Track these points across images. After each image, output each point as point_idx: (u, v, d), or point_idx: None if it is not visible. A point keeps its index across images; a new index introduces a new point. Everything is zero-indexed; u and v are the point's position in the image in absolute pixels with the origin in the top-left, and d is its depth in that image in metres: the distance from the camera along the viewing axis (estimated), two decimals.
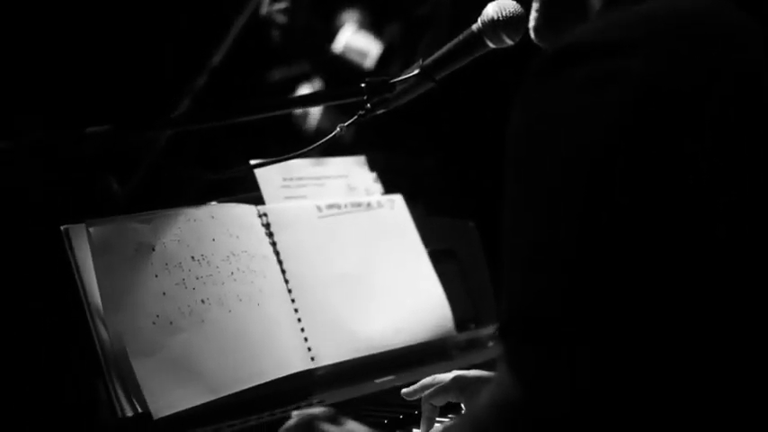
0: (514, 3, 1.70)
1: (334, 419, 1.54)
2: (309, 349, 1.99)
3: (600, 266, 1.13)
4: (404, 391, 1.85)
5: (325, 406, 1.87)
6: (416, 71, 1.73)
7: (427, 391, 1.79)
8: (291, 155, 1.78)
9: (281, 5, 2.93)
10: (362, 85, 1.73)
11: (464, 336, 2.29)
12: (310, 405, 1.90)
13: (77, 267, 1.76)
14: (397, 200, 2.30)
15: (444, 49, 1.73)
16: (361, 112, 1.79)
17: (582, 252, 1.13)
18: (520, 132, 1.18)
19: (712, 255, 1.15)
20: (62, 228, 1.76)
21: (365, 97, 1.74)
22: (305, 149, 1.79)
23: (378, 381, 2.06)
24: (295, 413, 1.56)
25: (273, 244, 2.03)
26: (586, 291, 1.13)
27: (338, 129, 1.79)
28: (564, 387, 1.14)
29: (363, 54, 2.94)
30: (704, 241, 1.14)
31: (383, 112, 1.79)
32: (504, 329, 1.17)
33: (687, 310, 1.15)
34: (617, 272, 1.13)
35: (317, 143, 1.80)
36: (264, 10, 2.93)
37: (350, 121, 1.79)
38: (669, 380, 1.17)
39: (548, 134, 1.15)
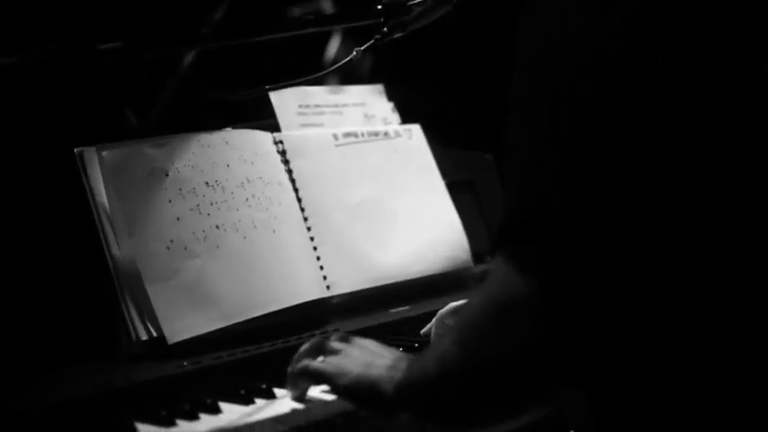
0: None
1: (345, 339, 1.53)
2: (325, 278, 1.98)
3: (604, 166, 1.12)
4: (423, 331, 1.84)
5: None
6: None
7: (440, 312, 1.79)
8: (308, 77, 1.75)
9: None
10: (379, 7, 1.70)
11: (480, 268, 2.27)
12: (325, 333, 1.89)
13: (91, 191, 1.74)
14: (415, 130, 2.27)
15: None
16: (377, 36, 1.76)
17: (587, 151, 1.12)
18: (531, 35, 1.16)
19: (716, 157, 1.14)
20: (75, 150, 1.75)
21: (382, 20, 1.70)
22: (322, 72, 1.77)
23: (393, 311, 2.05)
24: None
25: (289, 171, 2.01)
26: (589, 189, 1.12)
27: (354, 52, 1.77)
28: (569, 280, 1.13)
29: None
30: (709, 145, 1.13)
31: (400, 36, 1.76)
32: (505, 232, 1.16)
33: (691, 212, 1.14)
34: (621, 172, 1.13)
35: (335, 65, 1.78)
36: None
37: (367, 45, 1.76)
38: (669, 279, 1.16)
39: (560, 37, 1.14)
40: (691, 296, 1.19)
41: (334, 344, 1.51)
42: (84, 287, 1.73)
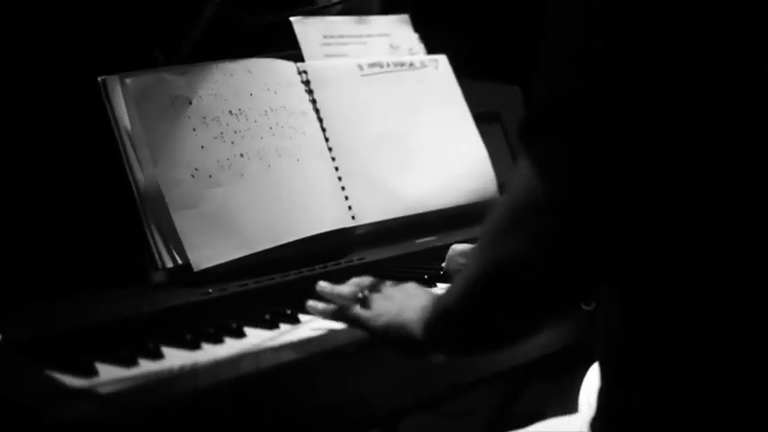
0: None
1: (380, 284, 1.53)
2: (350, 207, 1.97)
3: (634, 64, 1.08)
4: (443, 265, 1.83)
5: (364, 263, 1.88)
6: None
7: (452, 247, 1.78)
8: (323, 5, 1.73)
9: None
10: None
11: None
12: (350, 262, 1.89)
13: (115, 119, 1.74)
14: (441, 60, 2.25)
15: None
16: None
17: (618, 49, 1.09)
18: None
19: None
20: (99, 79, 1.74)
21: None
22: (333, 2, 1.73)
23: (419, 241, 2.04)
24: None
25: (313, 102, 1.99)
26: (617, 86, 1.09)
27: None
28: (602, 180, 1.10)
29: None
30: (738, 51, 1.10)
31: None
32: (528, 129, 1.13)
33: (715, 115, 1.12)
34: (652, 70, 1.09)
35: None
36: None
37: None
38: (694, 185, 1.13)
39: None
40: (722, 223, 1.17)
41: (372, 287, 1.51)
42: (109, 215, 1.73)
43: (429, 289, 1.50)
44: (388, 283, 1.54)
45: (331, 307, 1.54)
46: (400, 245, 2.00)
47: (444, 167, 2.14)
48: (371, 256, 1.93)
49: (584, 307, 1.53)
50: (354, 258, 1.90)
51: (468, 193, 2.16)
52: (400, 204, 2.04)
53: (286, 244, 1.83)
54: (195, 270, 1.70)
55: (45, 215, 1.67)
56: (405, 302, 1.43)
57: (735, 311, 1.18)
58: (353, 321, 1.50)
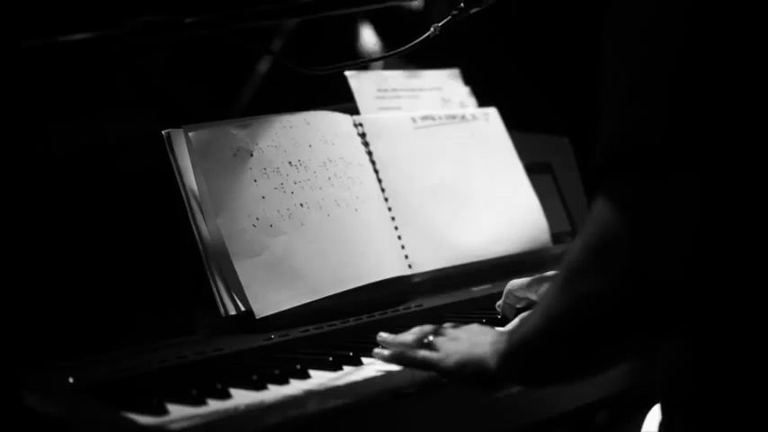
0: None
1: (443, 329, 1.56)
2: (407, 257, 2.00)
3: (702, 92, 1.12)
4: (497, 303, 1.86)
5: (422, 309, 1.91)
6: None
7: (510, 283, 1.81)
8: (387, 54, 1.78)
9: None
10: None
11: (560, 248, 2.28)
12: (408, 309, 1.92)
13: (179, 171, 1.79)
14: (492, 113, 2.30)
15: None
16: (455, 12, 1.78)
17: (685, 78, 1.12)
18: None
19: None
20: (163, 132, 1.80)
21: None
22: (400, 49, 1.79)
23: (475, 289, 2.06)
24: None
25: (369, 153, 2.04)
26: (687, 116, 1.12)
27: (432, 29, 1.79)
28: (671, 215, 1.12)
29: None
30: None
31: (476, 11, 1.78)
32: (600, 169, 1.16)
33: None
34: (721, 97, 1.12)
35: (412, 43, 1.80)
36: None
37: (444, 21, 1.78)
38: None
39: None
40: None
41: (435, 332, 1.54)
42: (174, 265, 1.78)
43: (494, 329, 1.53)
44: (450, 326, 1.56)
45: (398, 352, 1.56)
46: (456, 293, 2.03)
47: (498, 217, 2.17)
48: (429, 303, 1.96)
49: None
50: (412, 306, 1.93)
51: (522, 242, 2.19)
52: (455, 253, 2.07)
53: (344, 293, 1.86)
54: (258, 317, 1.74)
55: (116, 269, 1.73)
56: (473, 340, 1.46)
57: None
58: (422, 365, 1.52)
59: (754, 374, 1.24)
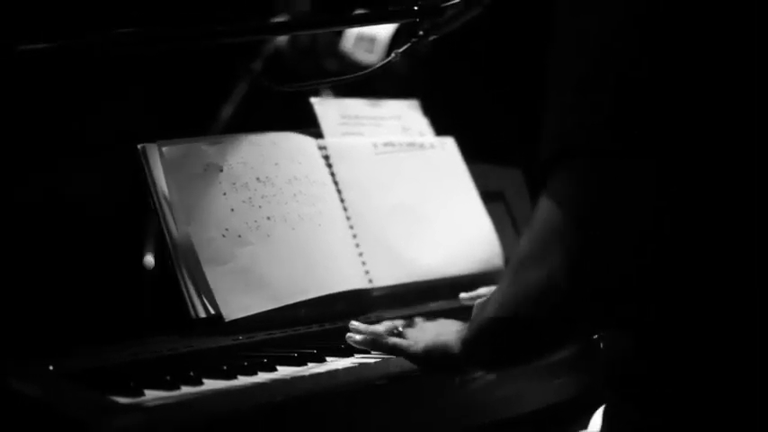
0: None
1: (413, 322, 1.68)
2: (367, 272, 2.11)
3: (645, 93, 1.23)
4: (462, 295, 1.98)
5: (382, 319, 2.01)
6: None
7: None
8: (347, 76, 1.90)
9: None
10: (415, 7, 1.85)
11: None
12: (368, 319, 2.02)
13: (153, 182, 1.89)
14: (449, 142, 2.43)
15: None
16: (414, 39, 1.90)
17: (628, 80, 1.23)
18: None
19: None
20: (138, 146, 1.90)
21: (418, 20, 1.85)
22: (360, 73, 1.91)
23: (432, 304, 2.17)
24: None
25: (332, 174, 2.15)
26: (627, 117, 1.23)
27: (393, 54, 1.92)
28: (607, 205, 1.24)
29: (372, 41, 2.97)
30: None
31: (433, 39, 1.91)
32: (545, 160, 1.28)
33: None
34: (667, 96, 1.23)
35: (373, 67, 1.92)
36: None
37: (404, 47, 1.91)
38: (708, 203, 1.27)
39: None
40: (739, 238, 1.29)
41: (405, 324, 1.66)
42: (146, 270, 1.87)
43: (457, 321, 1.64)
44: (419, 319, 1.68)
45: (369, 337, 1.68)
46: (414, 307, 2.13)
47: (454, 239, 2.29)
48: (388, 315, 2.05)
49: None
50: (372, 317, 2.03)
51: (477, 263, 2.30)
52: (413, 271, 2.18)
53: (308, 304, 1.96)
54: (226, 320, 1.83)
55: (93, 273, 1.82)
56: (439, 330, 1.59)
57: (745, 333, 1.32)
58: (392, 350, 1.64)
59: (697, 357, 1.34)
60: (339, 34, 2.70)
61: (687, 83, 1.24)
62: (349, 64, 2.52)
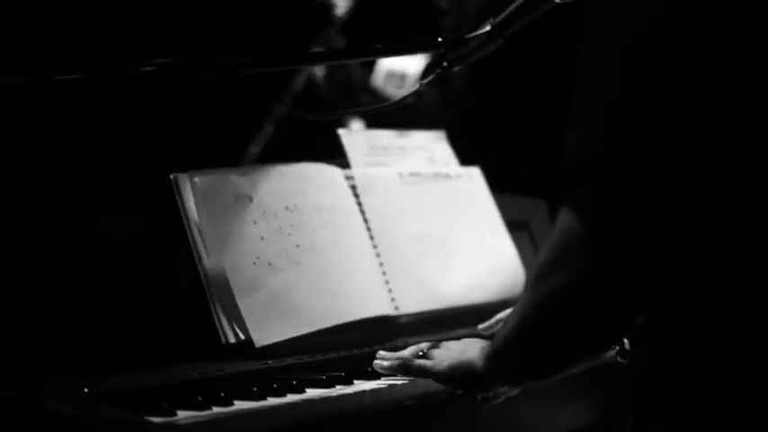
0: None
1: (438, 344, 1.72)
2: (393, 299, 2.15)
3: (661, 109, 1.28)
4: (480, 326, 2.01)
5: (408, 345, 2.05)
6: (487, 28, 1.90)
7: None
8: (372, 107, 1.95)
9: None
10: (439, 39, 1.90)
11: None
12: (395, 345, 2.06)
13: (185, 211, 1.95)
14: (475, 172, 2.47)
15: (512, 5, 1.90)
16: (438, 69, 1.96)
17: (646, 97, 1.28)
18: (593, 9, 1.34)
19: None
20: (171, 176, 1.96)
21: (442, 51, 1.90)
22: (386, 104, 1.97)
23: (458, 331, 2.21)
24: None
25: (359, 204, 2.20)
26: (645, 132, 1.28)
27: (418, 85, 1.97)
28: (622, 218, 1.28)
29: (402, 77, 3.05)
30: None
31: (458, 69, 1.96)
32: (564, 180, 1.32)
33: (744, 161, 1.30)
34: (679, 113, 1.28)
35: (399, 98, 1.97)
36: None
37: (429, 78, 1.96)
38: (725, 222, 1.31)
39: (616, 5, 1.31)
40: (747, 246, 1.33)
41: (430, 347, 1.70)
42: (179, 298, 1.92)
43: (482, 339, 1.68)
44: (443, 342, 1.72)
45: (396, 362, 1.72)
46: (440, 334, 2.17)
47: (479, 267, 2.33)
48: (414, 341, 2.09)
49: (618, 359, 1.70)
50: (399, 342, 2.07)
51: (502, 291, 2.34)
52: (439, 298, 2.22)
53: (336, 331, 2.00)
54: (257, 346, 1.87)
55: (124, 300, 1.87)
56: (463, 347, 1.63)
57: (759, 342, 1.35)
58: (417, 371, 1.68)
59: (716, 370, 1.37)
60: (371, 71, 2.78)
61: (703, 102, 1.29)
62: (380, 99, 2.60)
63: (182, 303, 1.92)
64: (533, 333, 1.42)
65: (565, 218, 1.33)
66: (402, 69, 2.95)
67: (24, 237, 1.84)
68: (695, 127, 1.30)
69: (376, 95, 2.64)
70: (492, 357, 1.53)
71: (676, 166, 1.29)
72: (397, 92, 2.90)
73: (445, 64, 1.95)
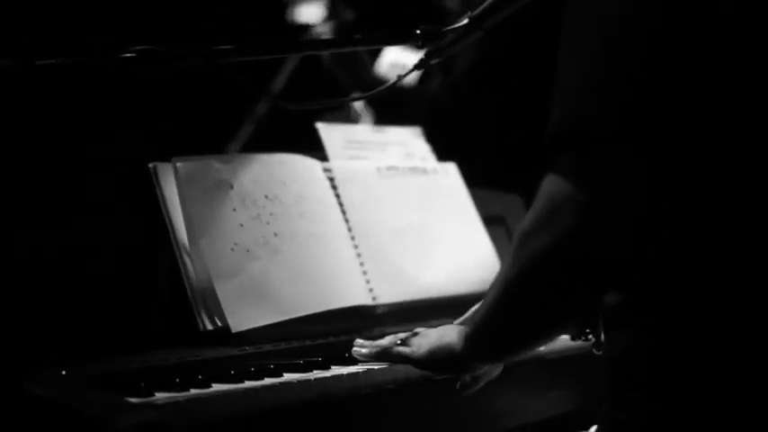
0: None
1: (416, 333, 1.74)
2: (371, 290, 2.17)
3: (661, 82, 1.30)
4: (455, 322, 2.02)
5: (385, 334, 2.07)
6: (465, 20, 1.92)
7: None
8: (350, 97, 1.97)
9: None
10: (417, 31, 1.92)
11: None
12: (371, 334, 2.08)
13: (164, 200, 1.96)
14: (451, 167, 2.50)
15: None
16: (416, 63, 1.98)
17: (645, 69, 1.31)
18: None
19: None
20: (150, 165, 1.97)
21: (420, 43, 1.92)
22: (365, 94, 1.99)
23: (434, 322, 2.22)
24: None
25: (337, 196, 2.22)
26: (645, 104, 1.30)
27: (396, 77, 1.99)
28: (608, 185, 1.30)
29: (404, 67, 3.07)
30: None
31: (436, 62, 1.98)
32: (551, 148, 1.34)
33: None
34: (676, 87, 1.31)
35: (377, 89, 1.99)
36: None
37: (408, 71, 1.98)
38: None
39: None
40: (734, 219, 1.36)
41: (409, 336, 1.72)
42: (157, 284, 1.94)
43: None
44: (421, 329, 1.73)
45: (375, 350, 1.73)
46: (416, 325, 2.18)
47: (455, 259, 2.35)
48: (391, 332, 2.11)
49: (594, 351, 1.72)
50: (376, 332, 2.09)
51: (477, 283, 2.35)
52: (416, 289, 2.24)
53: (313, 320, 2.02)
54: (234, 332, 1.89)
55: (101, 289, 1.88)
56: (441, 333, 1.65)
57: (742, 320, 1.38)
58: (397, 358, 1.70)
59: (703, 344, 1.40)
60: (375, 58, 2.80)
61: (683, 80, 1.32)
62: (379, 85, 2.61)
63: (160, 292, 1.93)
64: (513, 303, 1.43)
65: (550, 184, 1.34)
66: (405, 60, 2.99)
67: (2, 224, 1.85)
68: (690, 100, 1.33)
69: (378, 84, 2.67)
70: (471, 337, 1.55)
71: (666, 137, 1.32)
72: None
73: (424, 56, 1.97)
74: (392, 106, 2.30)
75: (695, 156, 1.35)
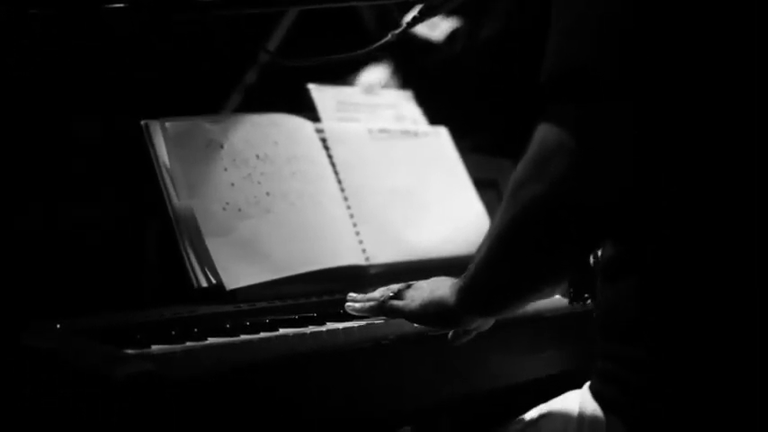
0: None
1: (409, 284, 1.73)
2: (364, 250, 2.17)
3: (658, 34, 1.29)
4: None
5: None
6: None
7: None
8: (342, 55, 1.95)
9: None
10: None
11: None
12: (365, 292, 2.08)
13: (156, 158, 1.95)
14: (442, 131, 2.49)
15: None
16: (409, 21, 1.97)
17: (643, 21, 1.30)
18: None
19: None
20: (142, 122, 1.96)
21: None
22: (356, 52, 1.97)
23: None
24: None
25: (330, 156, 2.22)
26: (644, 52, 1.29)
27: (389, 35, 1.98)
28: (602, 132, 1.30)
29: (433, 25, 3.06)
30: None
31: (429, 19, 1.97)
32: (544, 94, 1.34)
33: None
34: (673, 39, 1.30)
35: (368, 48, 1.98)
36: None
37: (401, 29, 1.97)
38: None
39: None
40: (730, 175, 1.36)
41: (401, 288, 1.71)
42: (151, 243, 1.93)
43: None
44: (414, 282, 1.73)
45: (368, 303, 1.73)
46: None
47: (447, 221, 2.35)
48: None
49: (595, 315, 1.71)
50: (369, 290, 2.09)
51: (469, 244, 2.34)
52: (408, 250, 2.24)
53: (306, 280, 2.02)
54: (227, 289, 1.88)
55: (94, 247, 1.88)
56: (434, 285, 1.63)
57: (736, 277, 1.38)
58: (390, 312, 1.69)
59: (699, 297, 1.40)
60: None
61: (684, 30, 1.31)
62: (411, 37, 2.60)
63: (154, 251, 1.92)
64: (506, 251, 1.41)
65: (545, 131, 1.33)
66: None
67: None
68: (689, 51, 1.32)
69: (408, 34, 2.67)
70: (463, 289, 1.54)
71: (664, 87, 1.31)
72: (428, 33, 2.94)
73: (418, 14, 1.96)
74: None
75: (692, 109, 1.35)
